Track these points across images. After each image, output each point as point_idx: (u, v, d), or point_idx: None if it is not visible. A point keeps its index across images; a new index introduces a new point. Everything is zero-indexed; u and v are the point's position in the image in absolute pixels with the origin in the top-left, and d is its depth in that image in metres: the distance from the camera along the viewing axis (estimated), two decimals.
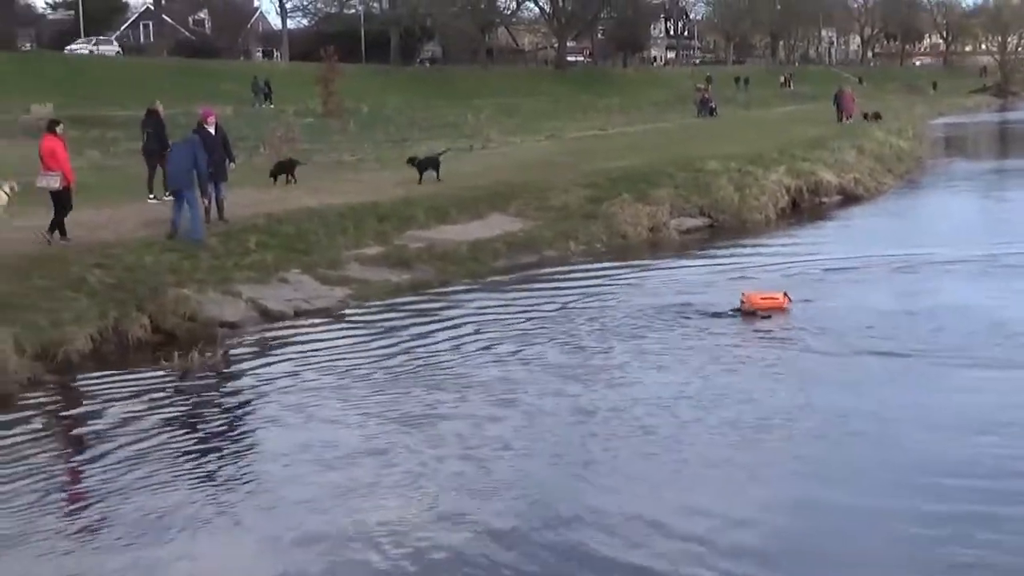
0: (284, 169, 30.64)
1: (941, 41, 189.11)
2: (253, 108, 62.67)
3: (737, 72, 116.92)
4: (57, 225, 21.14)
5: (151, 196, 26.42)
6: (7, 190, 22.68)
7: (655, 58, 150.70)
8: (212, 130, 23.85)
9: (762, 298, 18.62)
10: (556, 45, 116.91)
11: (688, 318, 18.34)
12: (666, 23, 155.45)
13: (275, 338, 18.00)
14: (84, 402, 15.10)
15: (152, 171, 26.61)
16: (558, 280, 22.51)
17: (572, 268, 23.84)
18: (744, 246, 26.67)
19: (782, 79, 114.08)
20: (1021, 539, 9.88)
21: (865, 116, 59.78)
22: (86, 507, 11.12)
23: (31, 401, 14.77)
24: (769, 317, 18.08)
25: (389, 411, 13.80)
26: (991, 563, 9.46)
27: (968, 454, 11.90)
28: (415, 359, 16.44)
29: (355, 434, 13.02)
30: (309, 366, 16.15)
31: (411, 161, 31.44)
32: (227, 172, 24.26)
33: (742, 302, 18.49)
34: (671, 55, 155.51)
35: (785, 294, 18.89)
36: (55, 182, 21.09)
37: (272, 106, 64.37)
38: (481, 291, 21.28)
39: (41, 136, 22.12)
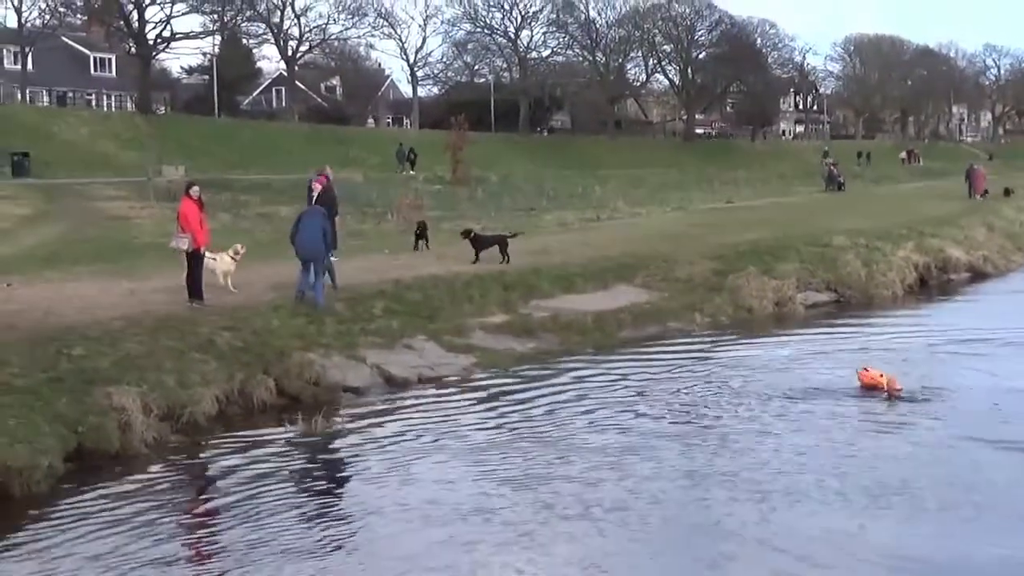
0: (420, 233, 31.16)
1: None
2: (397, 174, 63.41)
3: (860, 147, 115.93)
4: (189, 286, 21.47)
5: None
6: (232, 254, 23.20)
7: (783, 131, 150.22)
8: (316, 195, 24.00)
9: (874, 377, 18.45)
10: (684, 117, 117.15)
11: (809, 393, 18.21)
12: (795, 97, 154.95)
13: (399, 404, 18.12)
14: (207, 463, 15.30)
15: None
16: (682, 352, 22.40)
17: (696, 340, 23.73)
18: (869, 322, 26.36)
19: (903, 156, 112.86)
20: None
21: (1005, 192, 59.14)
22: (201, 566, 11.28)
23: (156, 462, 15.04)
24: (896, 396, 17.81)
25: (508, 475, 13.91)
26: None
27: None
28: (536, 426, 16.54)
29: (469, 497, 13.13)
30: (431, 431, 16.28)
31: (467, 235, 29.71)
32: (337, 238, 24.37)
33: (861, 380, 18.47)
34: (799, 128, 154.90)
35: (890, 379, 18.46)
36: (184, 244, 21.41)
37: (413, 173, 65.14)
38: (604, 361, 21.22)
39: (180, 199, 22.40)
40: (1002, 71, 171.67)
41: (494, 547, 11.68)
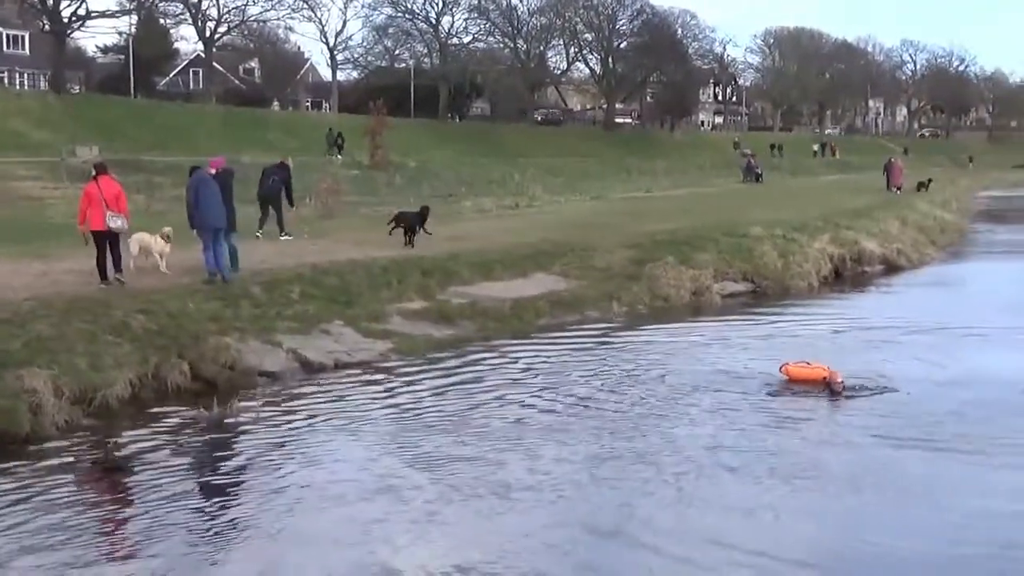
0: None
1: (988, 115, 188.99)
2: (326, 159, 62.87)
3: (775, 139, 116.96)
4: (101, 268, 21.35)
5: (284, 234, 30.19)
6: (164, 237, 23.27)
7: (703, 122, 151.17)
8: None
9: (803, 369, 18.24)
10: (605, 106, 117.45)
11: (723, 382, 18.23)
12: (715, 88, 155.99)
13: (314, 389, 17.97)
14: (118, 446, 15.11)
15: (279, 213, 30.43)
16: (599, 340, 22.45)
17: (614, 328, 23.78)
18: (786, 312, 26.57)
19: (816, 148, 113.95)
20: None
21: (919, 186, 60.39)
22: (109, 550, 11.17)
23: (67, 444, 14.85)
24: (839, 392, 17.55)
25: (419, 458, 13.96)
26: None
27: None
28: (450, 411, 16.48)
29: (379, 478, 13.18)
30: (345, 416, 16.19)
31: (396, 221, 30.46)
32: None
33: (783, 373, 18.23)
34: (718, 120, 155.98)
35: (828, 370, 18.20)
36: (125, 224, 21.48)
37: (342, 157, 64.63)
38: (522, 348, 21.20)
39: (91, 178, 22.16)
40: (918, 66, 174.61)
41: (401, 525, 11.70)
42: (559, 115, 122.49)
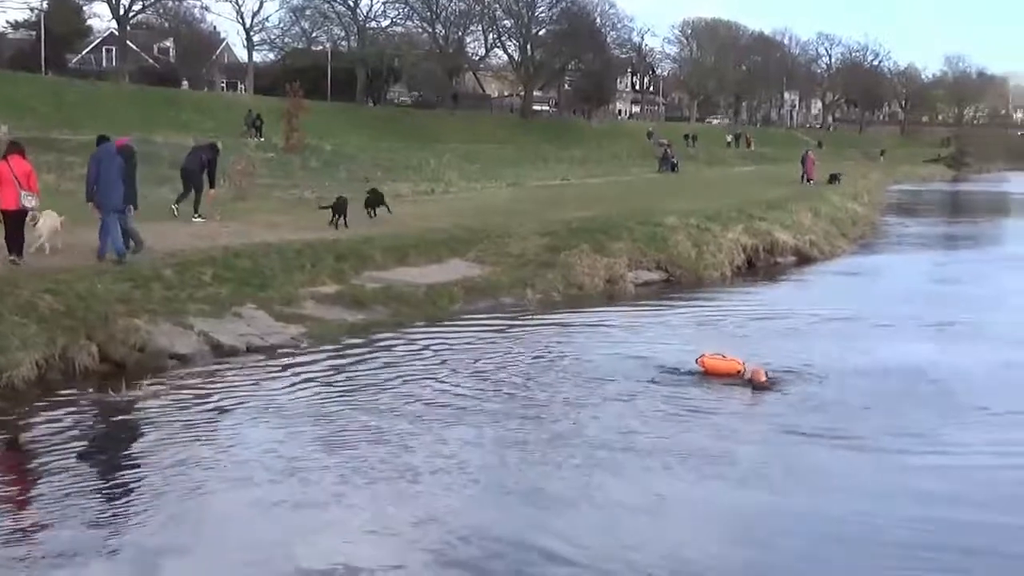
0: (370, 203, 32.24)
1: (900, 110, 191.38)
2: (244, 140, 62.01)
3: (691, 129, 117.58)
4: (9, 245, 21.10)
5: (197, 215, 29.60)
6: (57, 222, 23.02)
7: (620, 111, 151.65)
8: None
9: (719, 361, 18.07)
10: (523, 94, 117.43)
11: (635, 370, 18.26)
12: (632, 77, 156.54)
13: (225, 372, 17.79)
14: (22, 428, 14.89)
15: (198, 194, 29.77)
16: (513, 326, 22.47)
17: (528, 315, 23.82)
18: (699, 301, 26.75)
19: (729, 139, 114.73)
20: None
21: (831, 179, 61.29)
22: (10, 530, 11.00)
23: None
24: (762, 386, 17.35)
25: (328, 441, 13.95)
26: None
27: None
28: (360, 395, 16.44)
29: (287, 460, 13.11)
30: (254, 399, 16.10)
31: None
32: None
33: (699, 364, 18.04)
34: (636, 109, 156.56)
35: (743, 362, 18.14)
36: (37, 202, 21.27)
37: (262, 139, 63.89)
38: (435, 334, 21.14)
39: (5, 156, 21.81)
40: (833, 60, 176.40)
41: (308, 507, 11.72)
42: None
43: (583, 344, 20.76)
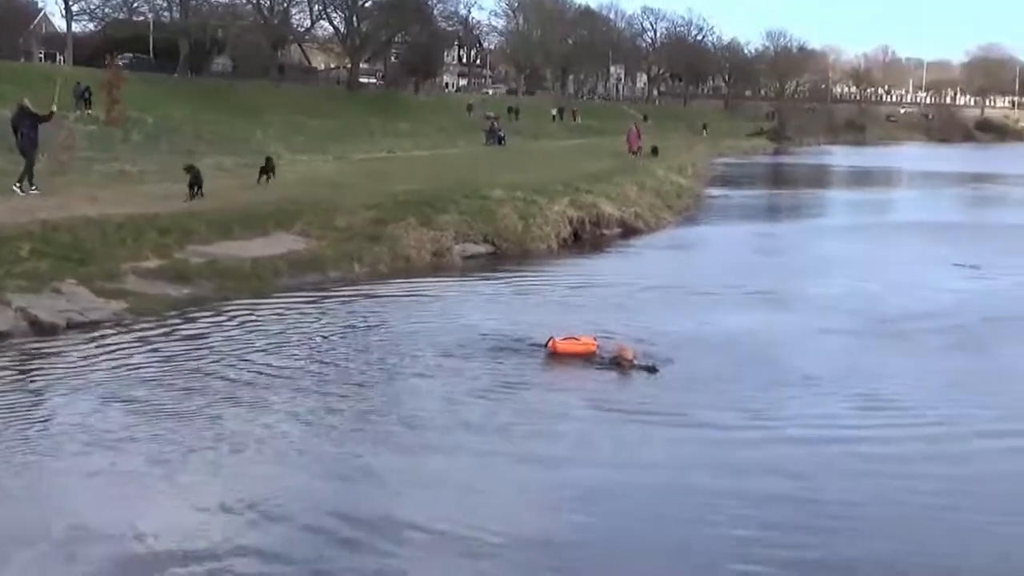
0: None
1: (724, 84, 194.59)
2: (75, 114, 60.34)
3: (514, 102, 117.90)
4: None
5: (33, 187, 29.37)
6: None
7: (447, 84, 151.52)
8: None
9: (571, 343, 17.58)
10: (349, 66, 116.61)
11: (460, 343, 18.26)
12: (459, 50, 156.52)
13: (43, 349, 17.40)
14: None
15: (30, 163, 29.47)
16: (339, 299, 22.40)
17: (354, 288, 23.72)
18: (525, 273, 26.98)
19: (554, 112, 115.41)
20: None
21: (653, 151, 62.40)
22: None
23: None
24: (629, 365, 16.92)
25: (148, 413, 13.80)
26: None
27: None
28: (181, 368, 16.24)
29: (104, 435, 12.94)
30: (71, 374, 15.77)
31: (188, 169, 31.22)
32: None
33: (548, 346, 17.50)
34: (463, 82, 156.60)
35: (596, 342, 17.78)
36: None
37: (92, 112, 62.22)
38: (260, 308, 20.94)
39: None
40: (658, 34, 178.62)
41: (128, 479, 11.66)
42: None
43: (409, 317, 20.75)
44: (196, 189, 30.17)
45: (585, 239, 33.64)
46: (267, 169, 34.62)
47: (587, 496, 11.64)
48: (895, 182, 75.47)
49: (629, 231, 36.07)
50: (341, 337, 18.76)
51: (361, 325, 19.90)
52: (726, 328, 20.34)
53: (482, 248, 29.74)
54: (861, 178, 77.89)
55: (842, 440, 13.78)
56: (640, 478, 12.32)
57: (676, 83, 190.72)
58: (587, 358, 17.23)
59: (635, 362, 16.74)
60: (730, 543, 10.46)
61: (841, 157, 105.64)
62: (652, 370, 16.51)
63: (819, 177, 78.51)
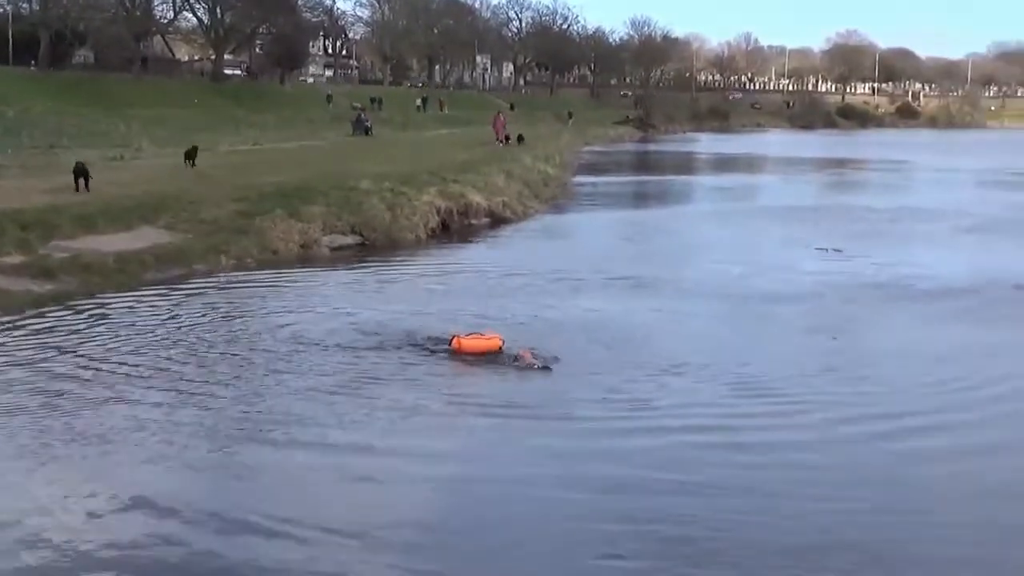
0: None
1: (589, 72, 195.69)
2: None
3: (378, 93, 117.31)
4: None
5: None
6: None
7: (313, 75, 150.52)
8: None
9: (475, 340, 17.17)
10: (213, 58, 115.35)
11: (327, 335, 18.27)
12: (324, 41, 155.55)
13: None
14: None
15: None
16: (205, 293, 22.23)
17: (221, 281, 23.59)
18: (394, 264, 27.05)
19: (418, 102, 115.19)
20: None
21: (519, 139, 62.90)
22: None
23: None
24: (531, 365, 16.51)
25: (12, 412, 13.64)
26: None
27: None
28: (42, 365, 16.05)
29: None
30: None
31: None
32: None
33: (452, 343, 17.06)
34: (329, 73, 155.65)
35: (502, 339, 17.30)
36: None
37: None
38: (125, 302, 20.73)
39: None
40: (523, 23, 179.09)
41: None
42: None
43: (275, 309, 20.67)
44: (82, 181, 30.46)
45: (453, 229, 33.74)
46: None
47: (457, 488, 11.77)
48: (759, 168, 76.54)
49: (497, 220, 36.25)
50: (206, 331, 18.61)
51: (227, 318, 19.81)
52: (594, 314, 20.56)
53: (350, 239, 29.71)
54: (726, 164, 78.95)
55: (713, 428, 13.81)
56: (500, 472, 12.33)
57: (542, 72, 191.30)
58: (492, 355, 16.81)
59: (534, 361, 16.41)
60: (601, 534, 10.52)
61: (706, 144, 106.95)
62: (546, 368, 16.27)
63: (684, 164, 79.44)
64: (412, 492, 11.60)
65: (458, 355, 16.84)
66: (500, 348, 16.92)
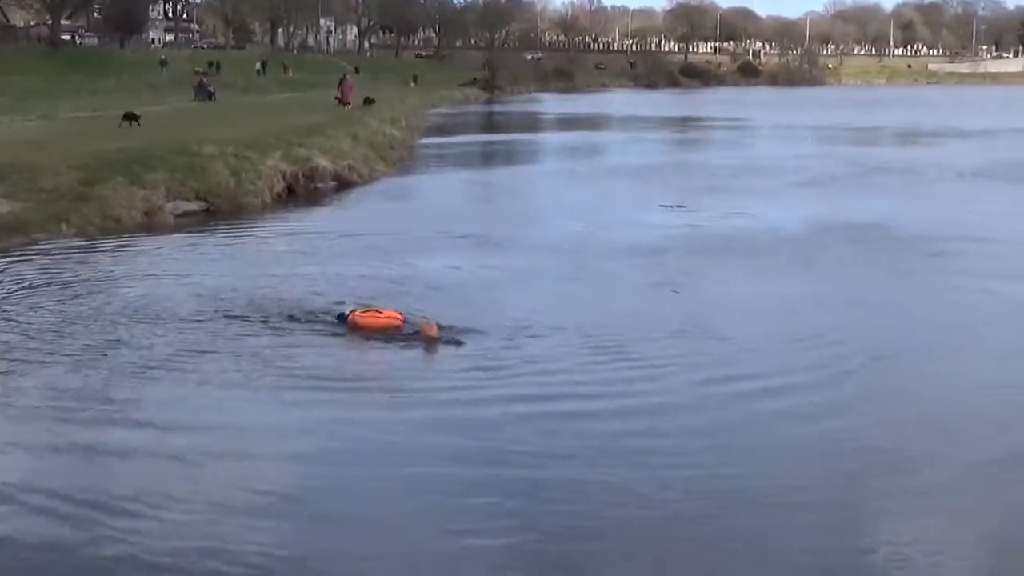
0: None
1: (435, 35, 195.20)
2: None
3: (216, 57, 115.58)
4: None
5: None
6: None
7: (154, 40, 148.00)
8: None
9: (372, 316, 16.47)
10: (50, 23, 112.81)
11: (176, 306, 17.89)
12: (165, 5, 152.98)
13: None
14: None
15: None
16: (46, 263, 21.75)
17: (63, 250, 23.15)
18: (241, 229, 26.86)
19: (258, 66, 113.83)
20: None
21: (365, 101, 62.83)
22: None
23: None
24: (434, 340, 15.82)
25: None
26: None
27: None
28: None
29: None
30: None
31: None
32: None
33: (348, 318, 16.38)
34: (170, 38, 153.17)
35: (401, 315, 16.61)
36: None
37: None
38: None
39: None
40: None
41: None
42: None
43: (115, 278, 20.38)
44: None
45: (300, 193, 33.63)
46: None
47: (294, 463, 11.55)
48: (604, 127, 77.16)
49: (344, 184, 36.21)
50: (41, 302, 18.13)
51: (63, 288, 19.28)
52: (439, 275, 20.62)
53: (195, 205, 29.44)
54: (571, 124, 79.50)
55: (562, 396, 13.50)
56: (339, 445, 12.03)
57: (387, 35, 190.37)
58: (390, 332, 16.07)
59: (440, 336, 15.65)
60: (448, 508, 10.30)
61: (552, 104, 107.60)
62: (458, 343, 15.55)
63: (530, 124, 79.81)
64: (244, 468, 11.34)
65: (355, 331, 16.10)
66: (399, 325, 16.19)
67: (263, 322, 16.80)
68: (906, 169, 43.41)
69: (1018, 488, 11.07)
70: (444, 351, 15.33)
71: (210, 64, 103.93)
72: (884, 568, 9.32)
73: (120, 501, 10.26)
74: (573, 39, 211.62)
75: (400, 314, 16.53)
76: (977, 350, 16.20)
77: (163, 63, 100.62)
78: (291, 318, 16.94)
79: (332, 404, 13.22)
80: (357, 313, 16.38)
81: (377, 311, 16.58)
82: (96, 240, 24.68)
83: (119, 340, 15.77)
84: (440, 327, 15.88)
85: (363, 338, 15.96)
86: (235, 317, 17.09)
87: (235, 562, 9.18)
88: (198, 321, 16.88)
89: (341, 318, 16.49)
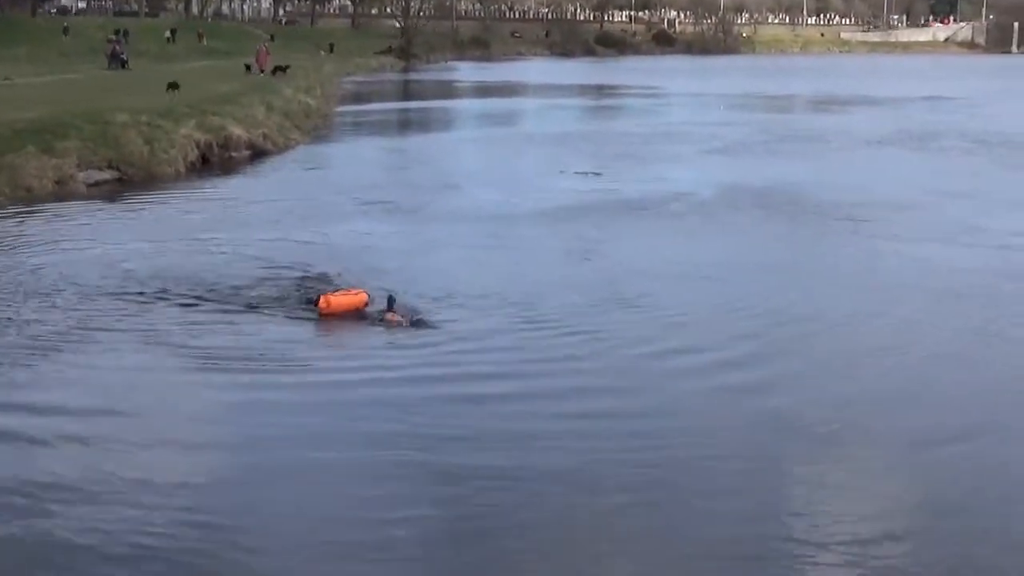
0: None
1: (350, 3, 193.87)
2: None
3: (123, 25, 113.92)
4: None
5: None
6: None
7: (67, 8, 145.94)
8: None
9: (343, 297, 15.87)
10: None
11: (90, 280, 17.65)
12: None
13: None
14: None
15: None
16: None
17: None
18: (150, 199, 26.80)
19: (168, 34, 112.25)
20: None
21: (275, 70, 62.58)
22: None
23: None
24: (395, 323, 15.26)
25: None
26: None
27: None
28: None
29: None
30: None
31: None
32: None
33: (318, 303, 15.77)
34: (83, 5, 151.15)
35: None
36: None
37: None
38: None
39: None
40: None
41: None
42: None
43: (21, 248, 20.28)
44: None
45: (214, 162, 33.53)
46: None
47: (206, 447, 11.37)
48: (520, 94, 77.07)
49: (258, 152, 36.09)
50: None
51: None
52: (352, 243, 20.82)
53: (107, 175, 29.25)
54: (488, 92, 79.31)
55: (484, 377, 13.30)
56: (253, 430, 11.72)
57: (303, 3, 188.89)
58: (360, 312, 15.64)
59: (404, 318, 15.15)
60: (373, 494, 10.09)
61: (468, 73, 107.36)
62: (421, 324, 15.06)
63: (447, 92, 79.53)
64: (138, 454, 11.00)
65: (326, 315, 15.40)
66: (366, 304, 15.78)
67: (162, 298, 16.41)
68: (817, 136, 44.16)
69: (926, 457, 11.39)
70: (364, 328, 15.09)
71: (116, 31, 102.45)
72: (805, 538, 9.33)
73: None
74: (489, 7, 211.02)
75: (366, 293, 16.07)
76: (893, 315, 16.47)
77: (65, 30, 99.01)
78: (199, 294, 16.57)
79: (236, 387, 12.88)
80: (330, 295, 15.78)
81: (346, 291, 16.10)
82: (5, 209, 24.44)
83: (10, 318, 15.34)
84: (398, 318, 15.18)
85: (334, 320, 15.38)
86: (137, 292, 16.74)
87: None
88: (97, 295, 16.58)
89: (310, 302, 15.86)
